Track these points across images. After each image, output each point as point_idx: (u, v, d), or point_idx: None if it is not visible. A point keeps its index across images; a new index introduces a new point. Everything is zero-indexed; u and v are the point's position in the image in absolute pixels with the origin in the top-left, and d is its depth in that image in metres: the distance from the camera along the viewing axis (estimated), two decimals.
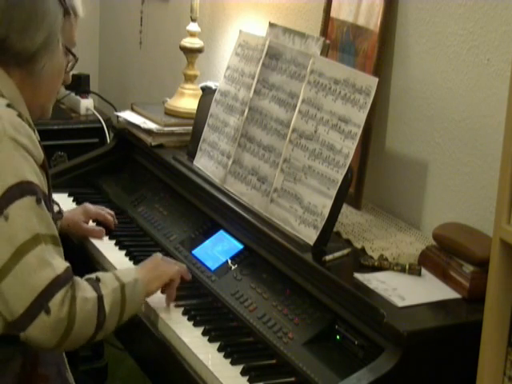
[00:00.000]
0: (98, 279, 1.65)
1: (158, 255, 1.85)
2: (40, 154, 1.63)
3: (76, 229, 2.16)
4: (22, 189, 1.53)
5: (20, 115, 1.60)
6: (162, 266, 1.81)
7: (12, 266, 1.51)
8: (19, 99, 1.66)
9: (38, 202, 1.55)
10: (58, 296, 1.53)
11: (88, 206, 2.23)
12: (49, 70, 1.69)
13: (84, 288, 1.60)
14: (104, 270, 2.05)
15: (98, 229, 2.18)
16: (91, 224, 2.21)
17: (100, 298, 1.61)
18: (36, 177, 1.57)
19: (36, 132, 1.68)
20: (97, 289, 1.62)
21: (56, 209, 2.06)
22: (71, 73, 1.81)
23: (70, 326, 1.55)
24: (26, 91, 1.68)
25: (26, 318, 1.52)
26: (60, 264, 1.56)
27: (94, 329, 1.60)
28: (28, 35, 1.63)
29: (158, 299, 1.81)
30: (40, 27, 1.63)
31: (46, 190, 1.63)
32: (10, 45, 1.63)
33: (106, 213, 2.23)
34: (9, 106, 1.61)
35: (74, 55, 1.76)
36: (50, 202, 1.66)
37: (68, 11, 1.70)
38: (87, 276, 1.67)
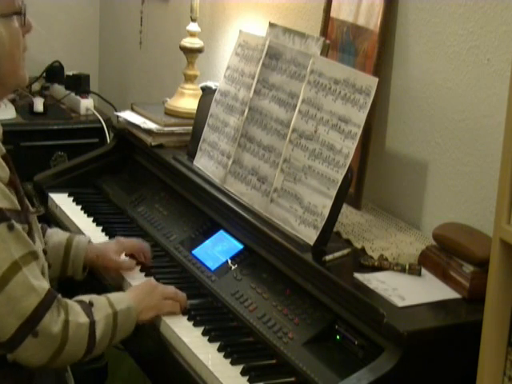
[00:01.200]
0: (91, 303, 1.64)
1: (152, 282, 1.82)
2: (5, 173, 1.58)
3: (105, 261, 1.96)
4: None
5: None
6: (156, 295, 1.76)
7: None
8: None
9: (11, 227, 1.52)
10: (46, 319, 1.53)
11: (121, 239, 2.03)
12: (4, 51, 1.59)
13: (77, 312, 1.60)
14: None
15: (129, 261, 1.98)
16: (123, 257, 2.00)
17: (92, 324, 1.61)
18: (5, 200, 1.54)
19: (0, 146, 1.63)
20: (89, 314, 1.61)
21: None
22: (29, 19, 1.65)
23: (60, 348, 1.56)
24: None
25: (14, 341, 1.52)
26: (43, 285, 1.56)
27: (83, 353, 1.61)
28: None
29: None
30: None
31: (18, 205, 1.58)
32: None
33: (141, 244, 2.03)
34: None
35: (17, 13, 1.61)
36: (23, 214, 1.61)
37: None
38: (80, 297, 1.66)
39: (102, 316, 1.63)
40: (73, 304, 1.62)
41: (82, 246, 1.95)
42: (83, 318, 1.60)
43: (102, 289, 1.91)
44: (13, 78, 1.64)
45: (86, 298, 1.67)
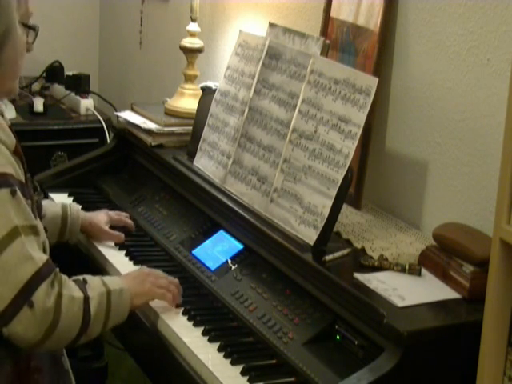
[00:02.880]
0: (85, 281, 1.65)
1: (145, 268, 1.84)
2: (12, 140, 1.59)
3: (97, 229, 2.14)
4: None
5: None
6: (149, 281, 1.77)
7: None
8: None
9: (14, 193, 1.52)
10: (41, 289, 1.52)
11: (108, 211, 2.23)
12: (12, 56, 1.61)
13: (71, 287, 1.60)
14: (104, 269, 2.06)
15: (118, 233, 2.16)
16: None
17: (86, 300, 1.60)
18: (10, 166, 1.54)
19: (5, 116, 1.64)
20: (83, 290, 1.61)
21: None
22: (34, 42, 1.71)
23: (54, 321, 1.54)
24: None
25: (9, 312, 1.50)
26: (41, 256, 1.55)
27: (78, 330, 1.59)
28: None
29: (157, 300, 1.81)
30: None
31: (23, 177, 1.59)
32: None
33: (124, 217, 2.24)
34: None
35: (32, 28, 1.67)
36: (27, 189, 1.62)
37: None
38: (74, 277, 1.66)
39: (96, 293, 1.63)
40: (66, 279, 1.61)
41: (76, 214, 2.13)
42: (77, 293, 1.60)
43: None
44: (8, 84, 1.65)
45: (79, 277, 1.67)
